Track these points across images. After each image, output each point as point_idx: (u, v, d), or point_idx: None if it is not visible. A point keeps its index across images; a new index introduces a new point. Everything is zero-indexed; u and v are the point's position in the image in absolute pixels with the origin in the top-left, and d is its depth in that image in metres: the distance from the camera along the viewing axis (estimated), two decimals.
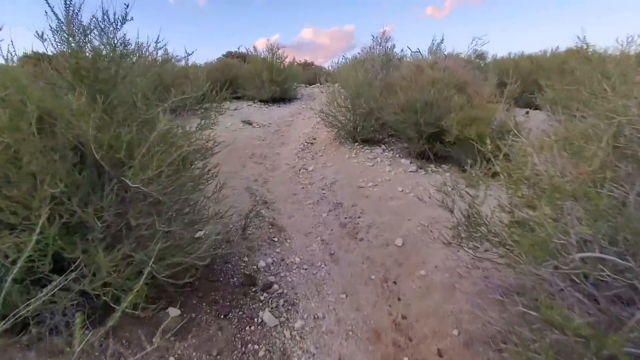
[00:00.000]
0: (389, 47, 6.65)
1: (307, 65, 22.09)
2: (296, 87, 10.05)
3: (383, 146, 5.16)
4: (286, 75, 9.31)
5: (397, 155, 4.82)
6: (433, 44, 7.89)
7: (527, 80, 8.68)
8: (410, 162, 4.54)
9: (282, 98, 9.45)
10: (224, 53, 15.93)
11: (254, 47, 9.86)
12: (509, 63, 9.57)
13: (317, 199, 3.73)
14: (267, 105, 8.92)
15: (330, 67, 18.84)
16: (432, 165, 4.47)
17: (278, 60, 9.51)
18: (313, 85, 12.80)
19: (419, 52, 7.85)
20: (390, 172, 4.25)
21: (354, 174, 4.29)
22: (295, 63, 12.20)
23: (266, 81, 8.86)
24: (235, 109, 8.05)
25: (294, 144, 5.80)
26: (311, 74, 16.81)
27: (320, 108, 5.49)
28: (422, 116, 4.28)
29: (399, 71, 6.28)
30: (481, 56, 7.95)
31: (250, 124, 6.87)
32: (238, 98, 9.80)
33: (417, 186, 3.78)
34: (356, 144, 5.21)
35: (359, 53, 9.77)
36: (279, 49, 9.52)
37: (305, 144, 5.75)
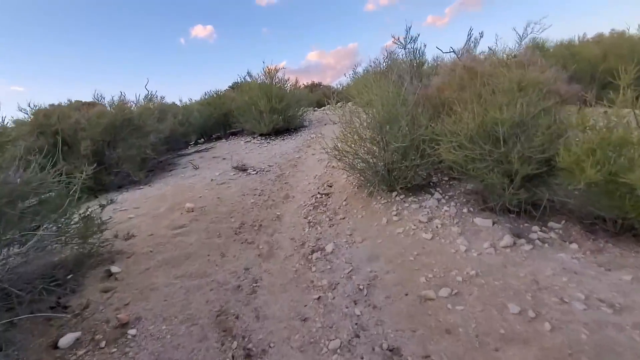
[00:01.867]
0: (419, 48, 4.94)
1: (315, 86, 20.84)
2: (302, 112, 8.46)
3: (436, 193, 3.33)
4: (289, 100, 7.74)
5: (465, 210, 2.97)
6: (469, 39, 6.16)
7: (597, 72, 6.75)
8: (494, 224, 2.69)
9: (286, 128, 7.85)
10: (230, 85, 14.74)
11: (248, 73, 8.41)
12: (562, 52, 7.62)
13: (347, 336, 1.92)
14: (268, 140, 7.32)
15: (337, 86, 17.43)
16: (537, 229, 2.59)
17: (278, 84, 8.00)
18: (323, 108, 11.23)
19: (453, 51, 6.11)
20: (468, 251, 2.40)
21: (404, 260, 2.47)
22: (301, 85, 10.73)
23: (265, 111, 7.31)
24: (227, 152, 6.47)
25: (302, 198, 4.07)
26: (320, 95, 15.42)
27: (333, 144, 3.77)
28: (513, 147, 2.46)
29: (436, 79, 4.56)
30: (541, 46, 6.09)
31: (244, 170, 5.23)
32: (234, 133, 8.30)
33: (541, 292, 1.92)
34: (394, 193, 3.41)
35: (370, 65, 8.16)
36: (277, 71, 8.03)
37: (319, 196, 4.00)
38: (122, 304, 2.22)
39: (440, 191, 3.40)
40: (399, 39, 5.02)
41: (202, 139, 8.80)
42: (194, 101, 10.11)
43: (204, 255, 2.87)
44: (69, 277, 2.50)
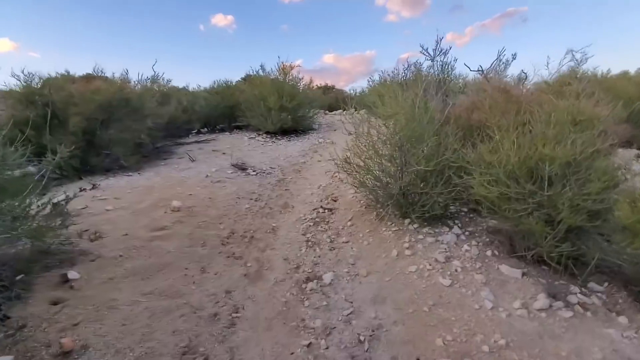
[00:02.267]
0: (448, 62, 4.57)
1: (328, 89, 20.47)
2: (313, 114, 8.08)
3: (455, 227, 2.93)
4: (300, 100, 7.36)
5: (489, 252, 2.57)
6: (499, 60, 5.78)
7: (632, 111, 6.34)
8: (524, 275, 2.29)
9: (294, 129, 7.47)
10: (242, 77, 14.33)
11: (261, 67, 8.03)
12: (594, 86, 7.23)
13: None
14: (273, 139, 6.93)
15: (351, 90, 17.09)
16: (576, 290, 2.18)
17: (291, 82, 7.62)
18: (334, 112, 10.84)
19: (482, 71, 5.73)
20: (495, 310, 2.00)
21: (417, 309, 2.06)
22: (314, 86, 10.37)
23: (274, 108, 6.92)
24: (228, 147, 6.07)
25: (302, 210, 3.67)
26: (332, 99, 15.06)
27: (345, 155, 3.38)
28: (562, 192, 2.05)
29: (463, 98, 4.19)
30: (580, 76, 5.69)
31: (243, 169, 4.84)
32: (239, 127, 7.92)
33: None
34: (407, 221, 3.01)
35: (389, 74, 7.80)
36: (292, 68, 7.65)
37: (321, 210, 3.61)
38: (71, 323, 1.82)
39: (460, 225, 3.00)
40: (427, 50, 4.62)
41: (206, 129, 8.42)
42: (202, 88, 9.75)
43: (182, 268, 2.46)
44: (18, 278, 2.10)
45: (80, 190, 4.05)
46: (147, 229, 2.90)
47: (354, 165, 3.28)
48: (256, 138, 6.93)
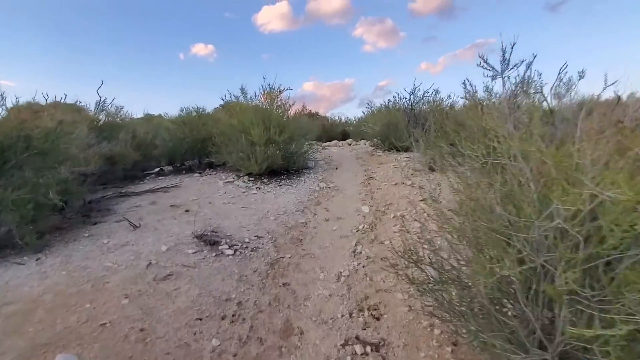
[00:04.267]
0: (528, 76, 3.10)
1: (312, 116, 19.25)
2: (308, 149, 6.47)
3: None
4: (292, 132, 5.76)
5: None
6: (560, 79, 4.43)
7: None
8: None
9: (285, 169, 5.81)
10: (221, 103, 12.71)
11: (242, 90, 6.42)
12: None
13: None
14: (258, 184, 5.21)
15: (336, 117, 15.84)
16: None
17: (280, 111, 6.05)
18: (328, 143, 9.29)
19: (541, 92, 4.30)
20: None
21: None
22: (306, 112, 8.86)
23: (259, 143, 5.27)
24: (194, 198, 4.28)
25: (320, 341, 1.92)
26: (319, 126, 13.63)
27: (408, 253, 1.72)
28: None
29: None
30: None
31: (213, 243, 3.07)
32: (212, 167, 6.18)
33: None
34: None
35: (394, 98, 6.46)
36: (280, 93, 6.10)
37: (358, 349, 1.87)
38: None
39: None
40: (486, 60, 3.14)
41: (171, 167, 6.64)
42: (169, 117, 8.02)
43: None
44: None
45: None
46: None
47: (445, 276, 1.62)
48: (235, 182, 5.19)
